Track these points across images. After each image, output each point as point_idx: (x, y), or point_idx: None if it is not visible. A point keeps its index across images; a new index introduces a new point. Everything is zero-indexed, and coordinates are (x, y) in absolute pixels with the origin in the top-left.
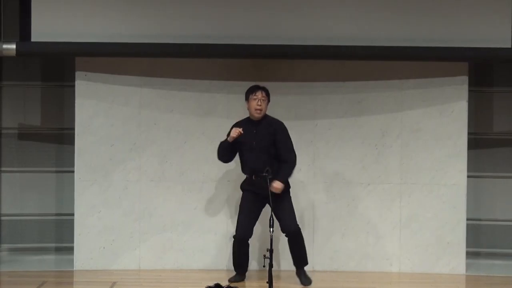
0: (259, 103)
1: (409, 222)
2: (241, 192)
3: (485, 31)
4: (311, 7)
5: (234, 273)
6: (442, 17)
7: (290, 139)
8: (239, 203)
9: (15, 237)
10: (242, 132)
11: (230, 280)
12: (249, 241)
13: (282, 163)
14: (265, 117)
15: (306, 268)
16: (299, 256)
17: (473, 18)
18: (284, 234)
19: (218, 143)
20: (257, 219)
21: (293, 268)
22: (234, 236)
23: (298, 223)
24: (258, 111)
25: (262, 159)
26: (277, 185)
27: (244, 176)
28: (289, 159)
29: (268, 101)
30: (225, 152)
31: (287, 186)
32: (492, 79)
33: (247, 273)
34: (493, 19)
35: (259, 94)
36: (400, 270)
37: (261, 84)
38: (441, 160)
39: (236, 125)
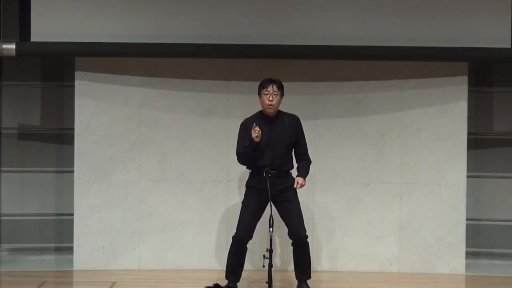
0: (270, 98)
1: (409, 222)
2: (241, 192)
3: (485, 31)
4: (311, 7)
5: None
6: (442, 17)
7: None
8: (239, 203)
9: (15, 237)
10: (259, 130)
11: None
12: (247, 245)
13: (302, 160)
14: (280, 112)
15: (308, 281)
16: (303, 267)
17: (473, 18)
18: (291, 241)
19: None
20: (258, 220)
21: (293, 268)
22: (233, 237)
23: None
24: (270, 107)
25: (277, 156)
26: (302, 182)
27: (247, 174)
28: (308, 155)
29: (282, 94)
30: (251, 156)
31: (294, 182)
32: (492, 79)
33: (246, 273)
34: (493, 19)
35: (270, 89)
36: (400, 270)
37: None
38: (441, 160)
39: (247, 121)
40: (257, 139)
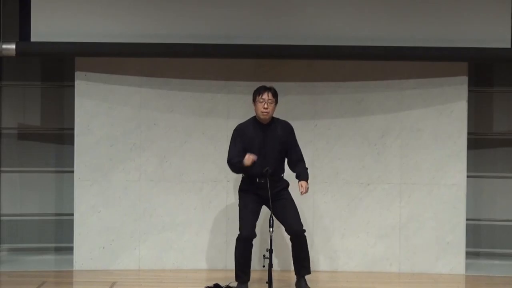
0: (265, 105)
1: (409, 222)
2: None
3: (485, 31)
4: (311, 7)
5: (231, 273)
6: (442, 17)
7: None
8: (238, 203)
9: (15, 237)
10: (255, 159)
11: None
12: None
13: (298, 166)
14: (273, 119)
15: (307, 277)
16: (302, 262)
17: (473, 18)
18: (289, 237)
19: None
20: (258, 219)
21: (293, 268)
22: (238, 238)
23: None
24: (265, 114)
25: (269, 163)
26: (306, 185)
27: (239, 178)
28: (303, 160)
29: (276, 102)
30: (240, 170)
31: (287, 184)
32: (492, 79)
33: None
34: (493, 19)
35: (266, 96)
36: (400, 270)
37: (262, 84)
38: (441, 160)
39: (241, 127)
40: (247, 164)
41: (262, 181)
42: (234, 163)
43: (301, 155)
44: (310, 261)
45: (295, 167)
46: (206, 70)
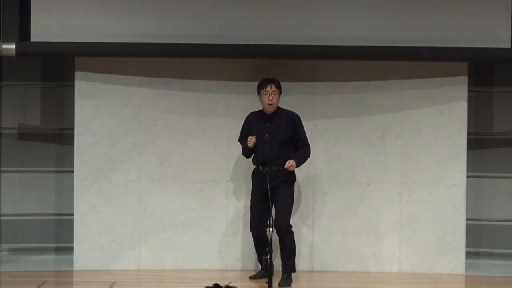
0: (270, 97)
1: (409, 222)
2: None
3: (485, 31)
4: (311, 7)
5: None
6: (442, 17)
7: (305, 131)
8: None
9: (15, 237)
10: (255, 140)
11: (253, 277)
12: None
13: (300, 149)
14: (279, 109)
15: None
16: (284, 259)
17: (473, 18)
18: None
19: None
20: (267, 208)
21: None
22: (249, 229)
23: (291, 223)
24: (270, 106)
25: (273, 152)
26: (292, 162)
27: (247, 174)
28: (308, 146)
29: (280, 93)
30: (247, 151)
31: (292, 177)
32: (492, 79)
33: (246, 273)
34: (493, 19)
35: (269, 88)
36: (400, 270)
37: None
38: (441, 160)
39: (250, 116)
40: (250, 145)
41: (261, 169)
42: (240, 143)
43: (305, 142)
44: (310, 261)
45: (297, 149)
46: (206, 70)
